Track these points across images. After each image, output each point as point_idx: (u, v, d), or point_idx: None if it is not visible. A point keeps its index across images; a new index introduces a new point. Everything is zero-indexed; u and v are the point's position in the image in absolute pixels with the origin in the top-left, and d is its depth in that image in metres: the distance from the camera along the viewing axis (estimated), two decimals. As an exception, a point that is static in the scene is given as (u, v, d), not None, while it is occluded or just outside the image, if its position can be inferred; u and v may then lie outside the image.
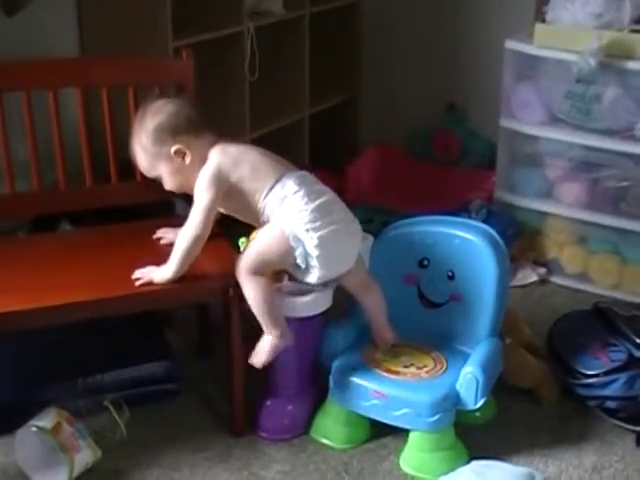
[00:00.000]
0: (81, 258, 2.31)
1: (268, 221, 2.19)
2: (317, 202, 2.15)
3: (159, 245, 2.34)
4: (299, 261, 2.14)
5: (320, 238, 2.11)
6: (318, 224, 2.12)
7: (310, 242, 2.11)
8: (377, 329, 2.33)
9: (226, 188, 2.18)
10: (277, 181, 2.17)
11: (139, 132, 2.21)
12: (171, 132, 2.18)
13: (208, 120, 2.25)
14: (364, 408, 2.24)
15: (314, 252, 2.12)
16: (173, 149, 2.19)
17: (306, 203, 2.14)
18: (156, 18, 2.76)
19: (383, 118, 3.92)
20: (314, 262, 2.13)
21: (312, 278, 2.17)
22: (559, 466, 2.24)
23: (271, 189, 2.17)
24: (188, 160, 2.20)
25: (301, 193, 2.15)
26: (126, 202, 2.52)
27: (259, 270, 2.14)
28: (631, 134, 2.87)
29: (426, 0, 3.76)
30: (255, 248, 2.16)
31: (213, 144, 2.23)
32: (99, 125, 2.47)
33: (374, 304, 2.32)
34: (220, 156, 2.20)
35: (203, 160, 2.21)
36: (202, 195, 2.17)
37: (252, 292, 2.15)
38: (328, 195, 2.20)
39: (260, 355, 2.20)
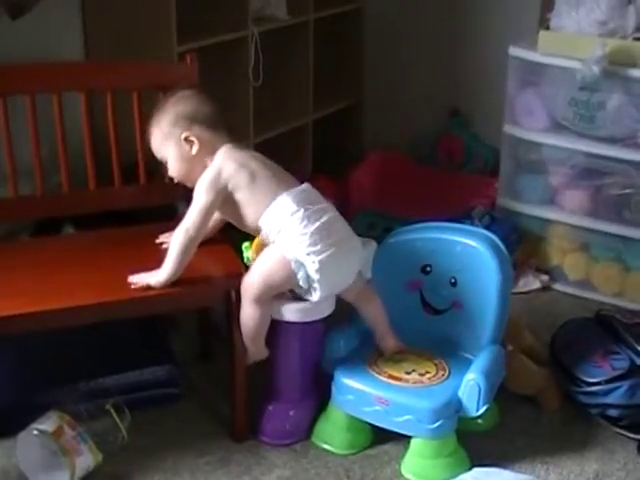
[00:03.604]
0: (84, 262, 2.31)
1: (267, 238, 2.19)
2: (316, 224, 2.13)
3: (162, 249, 2.34)
4: (301, 283, 2.15)
5: (321, 262, 2.11)
6: (318, 247, 2.11)
7: (312, 266, 2.11)
8: (380, 337, 2.33)
9: (225, 193, 2.19)
10: (273, 199, 2.16)
11: (160, 111, 2.25)
12: (188, 119, 2.22)
13: (225, 121, 2.28)
14: (366, 414, 2.24)
15: (315, 276, 2.12)
16: (184, 135, 2.21)
17: (305, 226, 2.13)
18: (161, 22, 2.77)
19: (387, 123, 3.92)
20: (316, 284, 2.14)
21: (314, 297, 2.17)
22: (560, 473, 2.24)
23: (267, 207, 2.17)
24: (195, 150, 2.22)
25: (299, 214, 2.14)
26: (129, 206, 2.52)
27: (264, 296, 2.16)
28: (634, 141, 2.87)
29: (430, 6, 3.76)
30: (259, 273, 2.16)
31: (224, 144, 2.24)
32: (103, 129, 2.48)
33: (374, 313, 2.32)
34: (224, 159, 2.22)
35: (210, 156, 2.22)
36: (201, 196, 2.19)
37: (250, 319, 2.19)
38: (328, 214, 2.18)
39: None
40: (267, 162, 2.27)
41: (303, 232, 2.12)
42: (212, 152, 2.23)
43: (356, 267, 2.23)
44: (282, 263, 2.14)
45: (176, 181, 2.29)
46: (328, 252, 2.12)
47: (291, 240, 2.13)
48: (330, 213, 2.19)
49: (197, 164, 2.23)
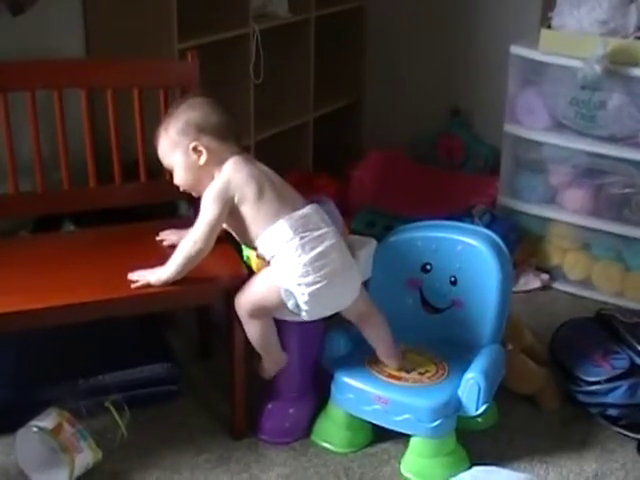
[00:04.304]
0: (84, 259, 2.31)
1: (262, 256, 2.18)
2: (311, 254, 2.10)
3: (162, 246, 2.34)
4: (291, 309, 2.14)
5: (310, 294, 2.10)
6: (309, 279, 2.09)
7: (301, 297, 2.11)
8: (380, 356, 2.30)
9: (232, 205, 2.16)
10: (273, 223, 2.13)
11: (169, 118, 2.21)
12: (198, 128, 2.17)
13: (237, 131, 2.25)
14: (365, 412, 2.24)
15: (304, 307, 2.12)
16: (192, 145, 2.17)
17: (299, 255, 2.09)
18: (162, 20, 2.76)
19: (387, 122, 3.92)
20: (304, 313, 2.14)
21: (304, 318, 2.17)
22: (560, 473, 2.24)
23: (266, 230, 2.14)
24: (203, 160, 2.18)
25: (295, 243, 2.10)
26: (129, 203, 2.52)
27: (257, 313, 2.17)
28: (635, 141, 2.87)
29: (431, 4, 3.76)
30: (253, 293, 2.16)
31: (233, 155, 2.21)
32: (104, 126, 2.47)
33: (376, 337, 2.29)
34: (234, 170, 2.18)
35: (218, 167, 2.19)
36: (208, 208, 2.15)
37: (254, 333, 2.21)
38: (326, 242, 2.13)
39: (262, 372, 2.30)
40: (274, 179, 2.22)
41: (296, 262, 2.10)
42: (220, 163, 2.19)
43: (351, 295, 2.20)
44: (274, 290, 2.13)
45: (182, 190, 2.26)
46: (319, 285, 2.10)
47: (284, 268, 2.12)
48: (329, 240, 2.14)
49: (204, 174, 2.19)
